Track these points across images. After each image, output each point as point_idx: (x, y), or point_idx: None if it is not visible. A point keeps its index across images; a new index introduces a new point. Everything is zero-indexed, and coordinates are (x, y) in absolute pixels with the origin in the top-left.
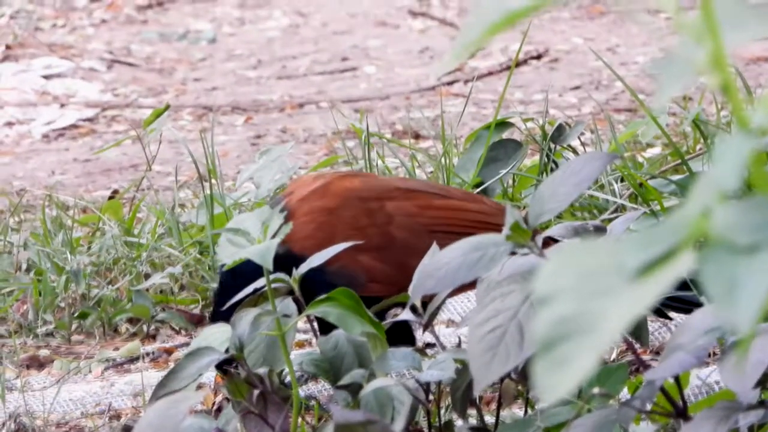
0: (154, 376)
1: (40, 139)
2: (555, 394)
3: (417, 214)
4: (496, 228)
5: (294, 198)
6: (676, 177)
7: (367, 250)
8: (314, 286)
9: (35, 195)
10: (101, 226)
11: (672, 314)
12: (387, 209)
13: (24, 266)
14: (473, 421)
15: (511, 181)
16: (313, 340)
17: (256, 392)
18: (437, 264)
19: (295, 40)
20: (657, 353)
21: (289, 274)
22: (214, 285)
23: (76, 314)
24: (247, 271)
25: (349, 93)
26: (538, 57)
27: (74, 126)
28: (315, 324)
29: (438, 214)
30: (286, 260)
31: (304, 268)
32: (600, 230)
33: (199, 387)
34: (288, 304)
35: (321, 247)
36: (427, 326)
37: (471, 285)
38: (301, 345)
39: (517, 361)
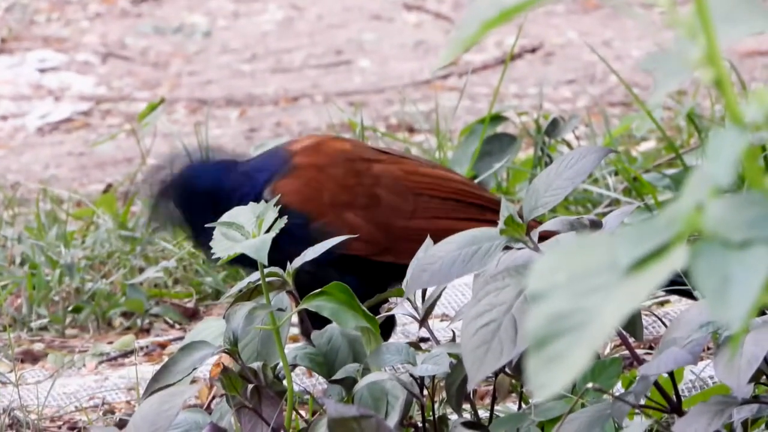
0: (148, 370)
1: (34, 132)
2: (549, 390)
3: (403, 178)
4: (479, 198)
5: (295, 148)
6: (670, 171)
7: (353, 208)
8: (297, 241)
9: (29, 188)
10: (95, 219)
11: (666, 308)
12: (374, 171)
13: (18, 260)
14: (467, 415)
15: (505, 175)
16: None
17: (250, 386)
18: (432, 258)
19: (289, 33)
20: (651, 348)
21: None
22: (208, 279)
23: (70, 308)
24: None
25: (343, 86)
26: (533, 51)
27: (69, 119)
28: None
29: (423, 179)
30: None
31: (298, 261)
32: (595, 224)
33: (194, 381)
34: (282, 298)
35: (308, 201)
36: (423, 321)
37: None
38: (295, 339)
39: (511, 356)
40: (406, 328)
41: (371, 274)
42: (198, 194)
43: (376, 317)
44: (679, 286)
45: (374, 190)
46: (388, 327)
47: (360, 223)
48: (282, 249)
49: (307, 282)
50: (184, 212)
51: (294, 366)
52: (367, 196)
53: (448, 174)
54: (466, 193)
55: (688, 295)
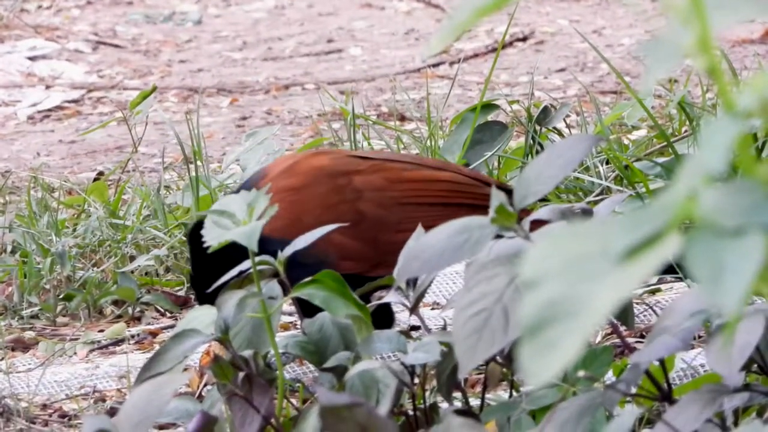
0: (139, 358)
1: (25, 120)
2: (541, 378)
3: (386, 188)
4: (469, 197)
5: (266, 180)
6: (661, 159)
7: (339, 227)
8: (286, 268)
9: (20, 176)
10: (86, 207)
11: (657, 296)
12: (355, 184)
13: (9, 248)
14: (458, 403)
15: (496, 163)
16: (299, 323)
17: (241, 375)
18: (422, 246)
19: (280, 21)
20: (642, 336)
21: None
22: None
23: (61, 296)
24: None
25: (334, 75)
26: (524, 39)
27: (60, 107)
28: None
29: (408, 186)
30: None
31: (288, 250)
32: (586, 213)
33: (185, 369)
34: (273, 287)
35: (290, 227)
36: (414, 309)
37: None
38: (286, 327)
39: (502, 345)
40: (398, 316)
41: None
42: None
43: (368, 306)
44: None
45: (357, 206)
46: (387, 318)
47: (347, 241)
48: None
49: (301, 301)
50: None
51: (285, 354)
52: (352, 212)
53: (434, 174)
54: (454, 194)
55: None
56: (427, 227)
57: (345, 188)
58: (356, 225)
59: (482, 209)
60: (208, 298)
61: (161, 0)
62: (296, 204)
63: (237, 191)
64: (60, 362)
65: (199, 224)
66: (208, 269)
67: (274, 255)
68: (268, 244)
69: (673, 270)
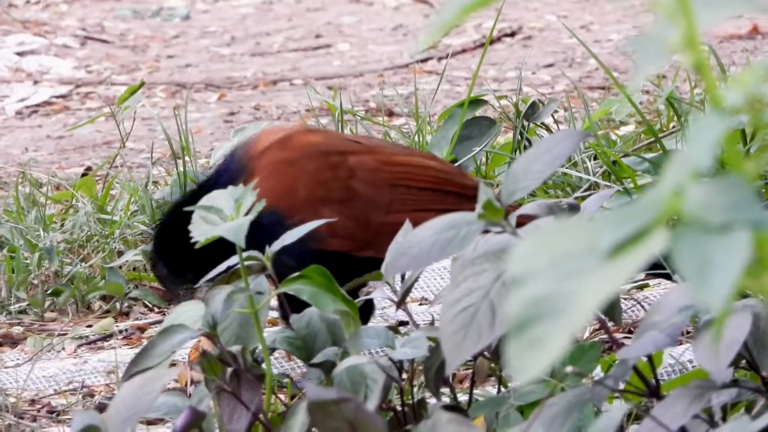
0: (127, 353)
1: (13, 116)
2: (528, 374)
3: (378, 169)
4: (457, 186)
5: (256, 148)
6: (649, 155)
7: (329, 203)
8: (274, 239)
9: (8, 172)
10: (74, 203)
11: (645, 292)
12: (349, 163)
13: None
14: (447, 399)
15: (484, 159)
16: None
17: (229, 370)
18: (410, 242)
19: (268, 17)
20: (630, 332)
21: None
22: None
23: (49, 291)
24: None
25: (322, 70)
26: (512, 34)
27: (48, 103)
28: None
29: (399, 169)
30: None
31: (276, 246)
32: (574, 208)
33: (173, 365)
34: (261, 282)
35: (283, 199)
36: (400, 304)
37: None
38: (274, 323)
39: (489, 340)
40: (386, 312)
41: (354, 271)
42: (179, 241)
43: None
44: (658, 269)
45: (350, 183)
46: (366, 311)
47: (337, 218)
48: (260, 248)
49: (289, 297)
50: (181, 262)
51: (273, 350)
52: (343, 189)
53: (424, 161)
54: (443, 181)
55: (667, 277)
56: (417, 211)
57: (338, 166)
58: (347, 202)
59: (469, 199)
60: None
61: None
62: (291, 177)
63: (226, 162)
64: (48, 357)
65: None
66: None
67: (266, 227)
68: (259, 216)
69: (662, 268)
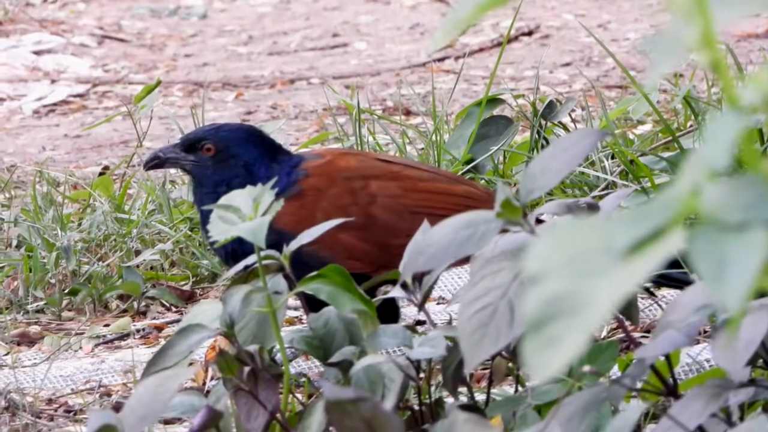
0: (144, 352)
1: (30, 115)
2: (545, 373)
3: (400, 195)
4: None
5: (311, 166)
6: (666, 154)
7: (348, 228)
8: (291, 264)
9: (26, 171)
10: (92, 202)
11: (663, 291)
12: (371, 189)
13: (14, 242)
14: (464, 398)
15: (501, 158)
16: (304, 317)
17: (246, 369)
18: (428, 241)
19: (286, 15)
20: (647, 331)
21: (269, 247)
22: (205, 261)
23: (66, 291)
24: None
25: (339, 69)
26: (529, 33)
27: (65, 102)
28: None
29: (422, 196)
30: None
31: (293, 245)
32: (592, 207)
33: (190, 364)
34: (278, 281)
35: (299, 224)
36: (422, 305)
37: (464, 259)
38: (291, 322)
39: (508, 340)
40: (403, 311)
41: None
42: (243, 144)
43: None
44: (671, 279)
45: (369, 210)
46: (393, 312)
47: (354, 242)
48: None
49: (307, 296)
50: (222, 153)
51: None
52: (362, 215)
53: (449, 187)
54: (467, 208)
55: (678, 287)
56: None
57: (359, 191)
58: (366, 228)
59: None
60: None
61: None
62: (312, 202)
63: (290, 167)
64: (65, 357)
65: None
66: None
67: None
68: (283, 238)
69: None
